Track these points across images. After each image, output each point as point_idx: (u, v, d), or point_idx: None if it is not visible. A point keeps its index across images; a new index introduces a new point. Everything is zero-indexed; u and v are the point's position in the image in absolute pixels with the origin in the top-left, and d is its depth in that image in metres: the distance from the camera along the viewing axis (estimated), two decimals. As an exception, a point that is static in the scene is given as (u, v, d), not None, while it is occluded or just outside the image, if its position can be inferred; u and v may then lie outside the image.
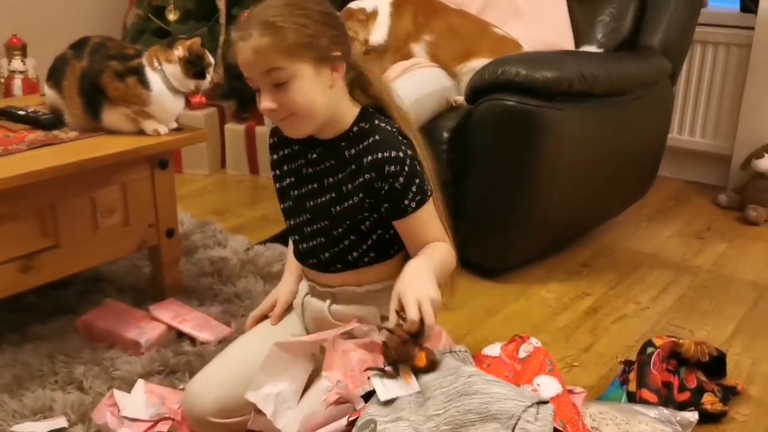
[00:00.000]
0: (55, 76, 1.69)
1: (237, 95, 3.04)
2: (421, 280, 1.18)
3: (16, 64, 2.86)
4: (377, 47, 2.26)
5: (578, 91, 2.00)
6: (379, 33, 2.24)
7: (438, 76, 2.16)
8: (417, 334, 1.15)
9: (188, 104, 1.94)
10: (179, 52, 1.65)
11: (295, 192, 1.36)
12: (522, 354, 1.37)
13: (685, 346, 1.56)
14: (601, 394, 1.57)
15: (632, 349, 1.69)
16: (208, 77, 1.72)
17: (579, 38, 2.41)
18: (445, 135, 2.06)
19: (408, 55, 2.24)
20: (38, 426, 1.38)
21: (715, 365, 1.60)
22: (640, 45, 2.37)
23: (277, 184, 1.41)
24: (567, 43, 2.38)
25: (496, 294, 2.05)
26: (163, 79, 1.65)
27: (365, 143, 1.28)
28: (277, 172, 1.40)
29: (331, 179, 1.32)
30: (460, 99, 2.13)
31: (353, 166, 1.29)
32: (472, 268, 2.14)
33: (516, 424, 1.04)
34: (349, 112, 1.31)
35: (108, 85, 1.62)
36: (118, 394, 1.42)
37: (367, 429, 1.12)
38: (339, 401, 1.17)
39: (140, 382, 1.46)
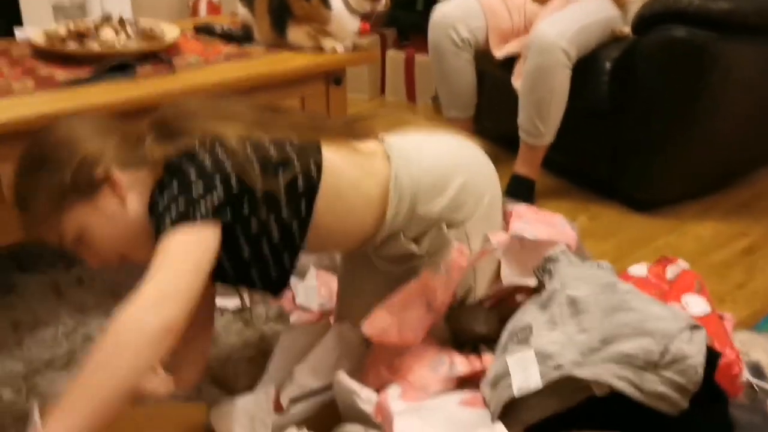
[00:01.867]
0: (247, -5, 1.85)
1: (398, 24, 3.14)
2: None
3: (202, -12, 3.10)
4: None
5: (754, 25, 1.94)
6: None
7: (604, 5, 2.14)
8: None
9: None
10: (358, -26, 1.76)
11: None
12: (669, 275, 1.40)
13: None
14: (752, 327, 1.58)
15: (788, 289, 1.67)
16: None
17: (761, -31, 2.29)
18: (608, 65, 2.06)
19: (574, -15, 2.23)
20: (227, 302, 1.59)
21: None
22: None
23: None
24: (747, -27, 2.27)
25: (648, 227, 2.06)
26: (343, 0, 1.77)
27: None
28: None
29: None
30: (627, 29, 2.11)
31: None
32: (623, 199, 2.16)
33: (670, 342, 1.08)
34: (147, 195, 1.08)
35: (294, 4, 1.76)
36: (293, 280, 1.59)
37: (524, 333, 1.21)
38: None
39: (312, 271, 1.62)
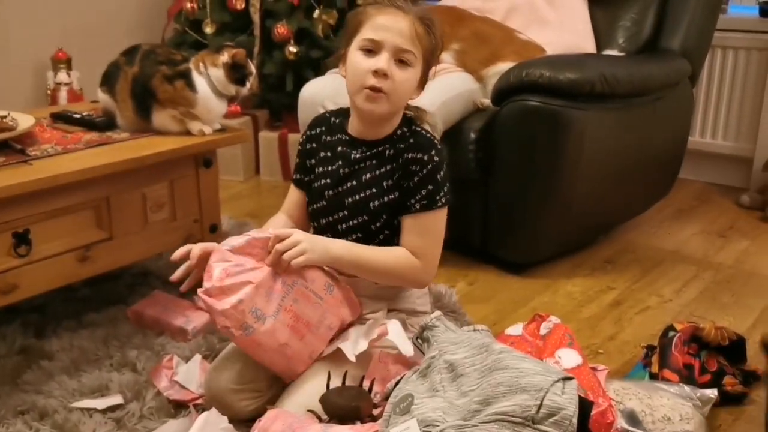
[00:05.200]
0: (108, 81, 1.81)
1: (270, 105, 3.17)
2: (321, 241, 1.37)
3: (62, 76, 3.01)
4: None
5: (600, 92, 2.08)
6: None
7: (465, 79, 2.26)
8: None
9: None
10: (224, 57, 1.77)
11: (331, 192, 1.47)
12: (543, 331, 1.45)
13: (705, 331, 1.62)
14: (624, 376, 1.64)
15: (655, 337, 1.74)
16: (248, 84, 1.83)
17: (600, 43, 2.50)
18: (473, 135, 2.15)
19: (435, 63, 2.33)
20: (96, 402, 1.48)
21: (735, 350, 1.66)
22: (660, 48, 2.45)
23: (313, 185, 1.51)
24: (589, 47, 2.46)
25: (522, 288, 2.13)
26: (208, 82, 1.76)
27: (404, 144, 1.42)
28: (311, 176, 1.52)
29: (368, 175, 1.43)
30: (487, 101, 2.22)
31: (393, 165, 1.42)
32: (498, 263, 2.22)
33: (544, 396, 1.12)
34: (400, 115, 1.46)
35: (158, 89, 1.74)
36: (177, 359, 1.55)
37: (405, 402, 1.21)
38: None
39: (197, 357, 1.58)
